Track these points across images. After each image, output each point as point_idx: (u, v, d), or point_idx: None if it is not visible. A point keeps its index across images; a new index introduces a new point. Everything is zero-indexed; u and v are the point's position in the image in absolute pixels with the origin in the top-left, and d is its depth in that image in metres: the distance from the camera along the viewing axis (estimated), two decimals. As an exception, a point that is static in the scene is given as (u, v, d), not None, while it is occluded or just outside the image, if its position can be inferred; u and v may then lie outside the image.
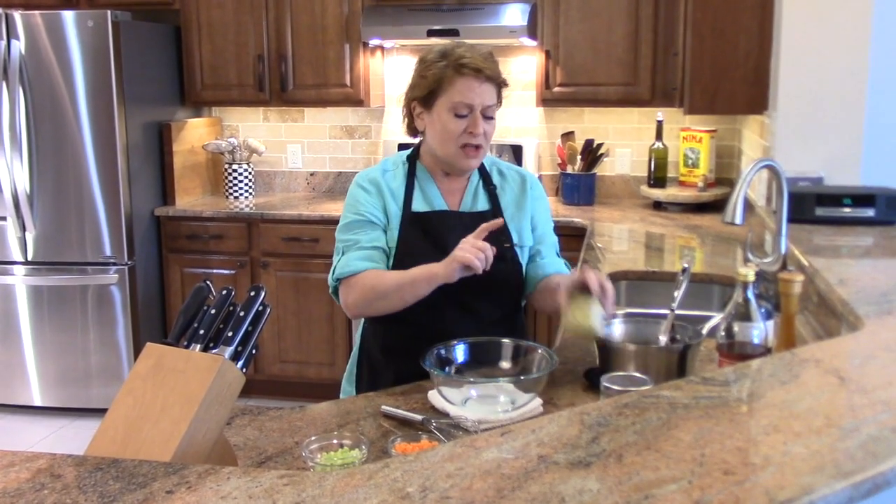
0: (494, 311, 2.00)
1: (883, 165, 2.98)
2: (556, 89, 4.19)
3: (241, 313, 1.31)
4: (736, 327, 1.55)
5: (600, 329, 1.73)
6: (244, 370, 1.29)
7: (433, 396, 1.66)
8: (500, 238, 1.93)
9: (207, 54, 4.49)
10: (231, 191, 4.65)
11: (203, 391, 1.20)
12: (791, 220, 2.23)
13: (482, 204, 2.04)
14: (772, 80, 3.20)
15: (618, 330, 1.79)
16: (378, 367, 2.04)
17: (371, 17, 4.22)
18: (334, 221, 4.03)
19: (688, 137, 4.20)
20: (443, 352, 1.73)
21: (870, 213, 2.53)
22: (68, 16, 4.00)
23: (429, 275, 1.82)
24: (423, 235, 1.96)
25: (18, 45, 4.01)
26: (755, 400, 1.22)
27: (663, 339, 1.74)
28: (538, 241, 2.07)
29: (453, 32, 3.99)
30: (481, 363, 1.76)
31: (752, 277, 1.55)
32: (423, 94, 1.95)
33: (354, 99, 4.41)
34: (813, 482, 0.94)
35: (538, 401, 1.61)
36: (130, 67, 4.12)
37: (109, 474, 1.04)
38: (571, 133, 4.41)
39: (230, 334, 1.29)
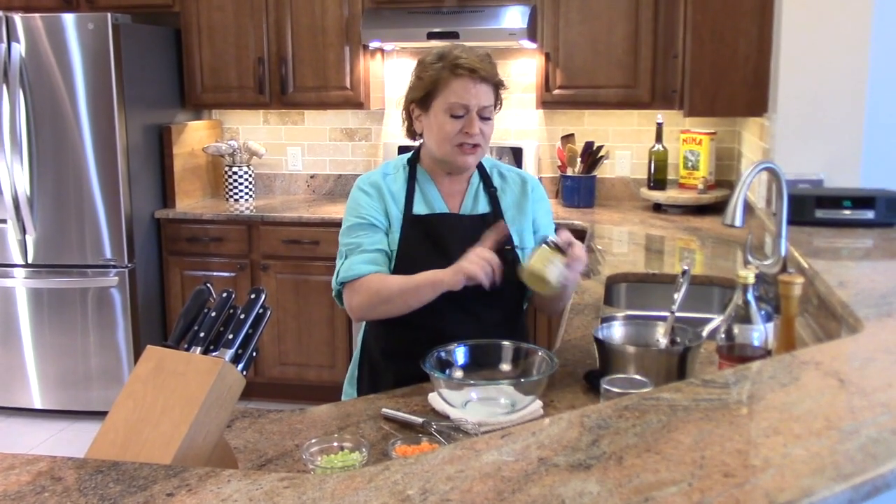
0: (495, 314, 2.00)
1: (883, 167, 2.99)
2: (556, 91, 4.20)
3: (242, 316, 1.31)
4: (736, 329, 1.55)
5: (554, 283, 1.74)
6: (244, 373, 1.29)
7: (433, 399, 1.66)
8: (502, 240, 1.93)
9: (207, 57, 4.49)
10: (231, 193, 4.65)
11: (203, 394, 1.20)
12: (791, 222, 2.24)
13: (483, 206, 2.04)
14: (771, 82, 3.21)
15: (618, 332, 1.79)
16: (379, 369, 2.04)
17: (371, 20, 4.23)
18: (334, 224, 4.06)
19: (688, 140, 4.20)
20: (443, 354, 1.73)
21: (869, 215, 2.53)
22: (68, 19, 4.01)
23: (434, 281, 1.83)
24: (424, 238, 1.97)
25: (19, 48, 4.01)
26: (755, 402, 1.22)
27: (663, 341, 1.74)
28: (538, 243, 2.07)
29: (453, 35, 4.00)
30: (481, 365, 1.76)
31: (752, 280, 1.55)
32: (421, 96, 1.96)
33: (354, 101, 4.42)
34: (813, 484, 0.94)
35: (538, 403, 1.61)
36: (130, 70, 4.12)
37: (110, 477, 1.04)
38: (571, 135, 4.41)
39: (230, 337, 1.29)
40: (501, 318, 2.02)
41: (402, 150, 4.38)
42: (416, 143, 2.09)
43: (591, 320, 2.20)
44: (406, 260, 1.93)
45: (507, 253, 1.97)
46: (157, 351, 1.27)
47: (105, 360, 4.20)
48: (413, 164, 2.06)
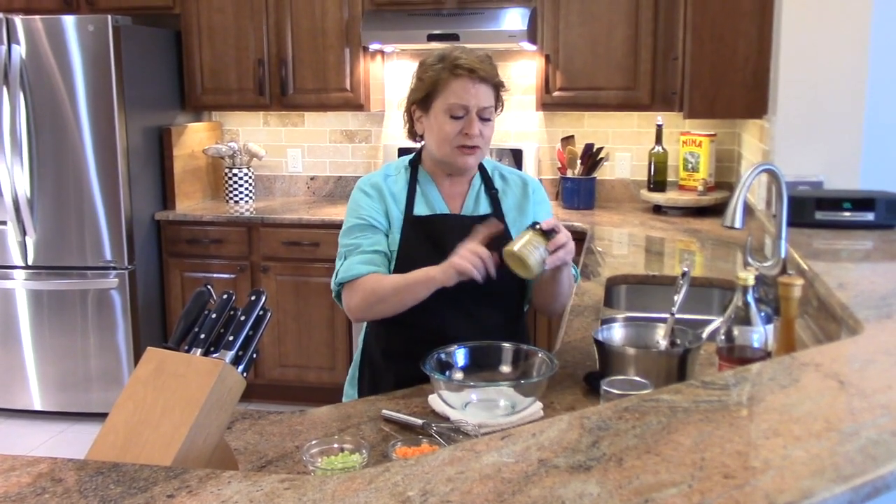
0: (496, 316, 2.00)
1: (882, 169, 2.99)
2: (556, 93, 4.20)
3: (242, 318, 1.31)
4: (736, 331, 1.55)
5: (533, 266, 1.75)
6: (245, 374, 1.29)
7: (433, 400, 1.66)
8: (502, 243, 1.93)
9: (208, 59, 4.49)
10: (231, 195, 4.66)
11: (204, 395, 1.20)
12: (791, 223, 2.24)
13: (484, 208, 2.04)
14: (771, 84, 3.21)
15: (618, 334, 1.79)
16: (379, 370, 2.04)
17: (371, 22, 4.23)
18: (334, 225, 4.06)
19: (687, 141, 4.20)
20: (443, 356, 1.73)
21: (869, 216, 2.53)
22: (69, 20, 4.01)
23: (426, 278, 1.84)
24: (424, 239, 1.97)
25: (19, 50, 4.02)
26: (755, 404, 1.22)
27: (663, 342, 1.74)
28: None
29: (453, 37, 4.00)
30: (481, 367, 1.76)
31: (751, 281, 1.55)
32: (421, 97, 1.97)
33: (354, 103, 4.42)
34: (813, 486, 0.94)
35: (538, 405, 1.61)
36: (131, 72, 4.12)
37: (110, 478, 1.04)
38: (571, 137, 4.41)
39: (231, 339, 1.29)
40: (502, 319, 2.02)
41: (402, 151, 4.39)
42: (418, 145, 2.10)
43: (591, 322, 2.20)
44: (407, 260, 1.94)
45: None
46: (158, 352, 1.27)
47: (105, 362, 4.20)
48: (415, 165, 2.06)
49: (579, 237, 3.62)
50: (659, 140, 4.28)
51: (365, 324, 2.12)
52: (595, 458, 1.02)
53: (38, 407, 4.27)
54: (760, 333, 1.54)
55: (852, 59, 2.94)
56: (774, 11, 3.16)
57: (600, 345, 1.70)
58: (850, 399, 1.20)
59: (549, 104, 4.25)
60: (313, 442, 1.39)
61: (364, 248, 1.96)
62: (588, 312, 2.31)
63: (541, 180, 4.50)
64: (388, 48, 4.49)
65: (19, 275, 4.22)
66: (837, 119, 2.97)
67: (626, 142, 4.50)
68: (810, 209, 2.56)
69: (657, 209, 4.19)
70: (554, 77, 4.18)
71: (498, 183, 2.08)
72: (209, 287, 1.37)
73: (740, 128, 4.21)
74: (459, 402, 1.62)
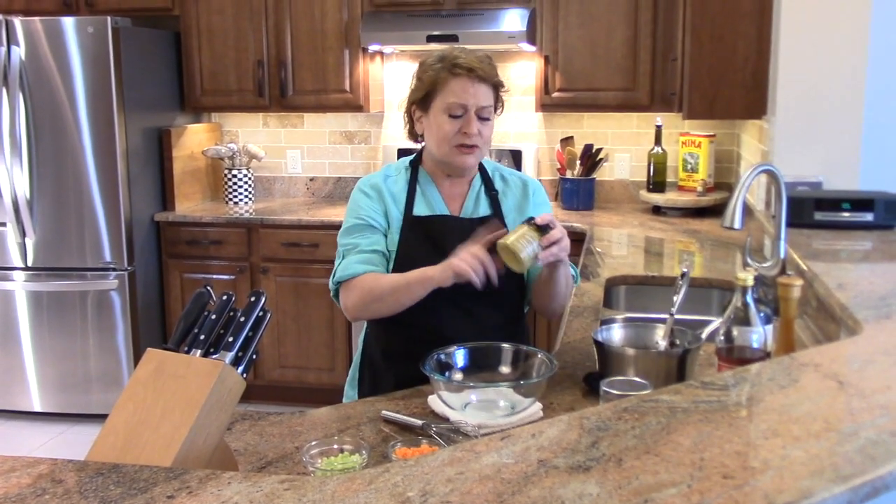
0: (496, 317, 2.00)
1: (881, 170, 2.99)
2: (556, 94, 4.20)
3: (242, 319, 1.32)
4: (735, 332, 1.55)
5: (524, 260, 1.75)
6: (244, 375, 1.29)
7: (433, 401, 1.66)
8: (496, 239, 1.93)
9: (207, 60, 4.49)
10: (231, 196, 4.66)
11: (204, 396, 1.20)
12: (790, 224, 2.24)
13: (484, 209, 2.04)
14: (770, 84, 3.21)
15: (617, 334, 1.79)
16: (379, 371, 2.05)
17: (370, 23, 4.23)
18: (334, 226, 4.06)
19: (687, 142, 4.21)
20: (442, 356, 1.73)
21: (868, 217, 2.54)
22: (68, 22, 4.01)
23: (423, 278, 1.84)
24: (423, 239, 1.97)
25: (19, 52, 4.02)
26: (754, 404, 1.22)
27: (662, 343, 1.74)
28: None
29: (452, 38, 4.01)
30: (481, 368, 1.76)
31: (751, 282, 1.55)
32: (421, 97, 1.98)
33: (354, 104, 4.42)
34: (812, 486, 0.94)
35: (538, 405, 1.61)
36: (130, 73, 4.12)
37: (110, 479, 1.04)
38: (570, 138, 4.41)
39: (231, 339, 1.29)
40: (502, 320, 2.02)
41: (402, 152, 4.39)
42: (419, 146, 2.10)
43: (591, 322, 2.20)
44: (406, 260, 1.94)
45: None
46: (158, 353, 1.27)
47: (105, 363, 4.20)
48: (415, 165, 2.07)
49: (578, 238, 3.63)
50: (658, 141, 4.28)
51: (365, 324, 2.13)
52: (594, 458, 1.02)
53: (37, 408, 4.27)
54: (760, 334, 1.54)
55: (851, 60, 2.94)
56: (774, 12, 3.17)
57: (600, 345, 1.70)
58: (850, 399, 1.21)
59: (548, 105, 4.25)
60: (313, 443, 1.39)
61: (362, 248, 1.96)
62: (587, 313, 2.31)
63: (540, 181, 4.52)
64: (387, 49, 4.49)
65: (19, 276, 4.22)
66: (836, 120, 2.98)
67: (625, 142, 4.51)
68: (809, 210, 2.56)
69: (656, 210, 4.19)
70: (553, 78, 4.18)
71: (498, 184, 2.08)
72: (209, 288, 1.37)
73: (739, 128, 4.21)
74: (459, 402, 1.62)
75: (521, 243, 1.76)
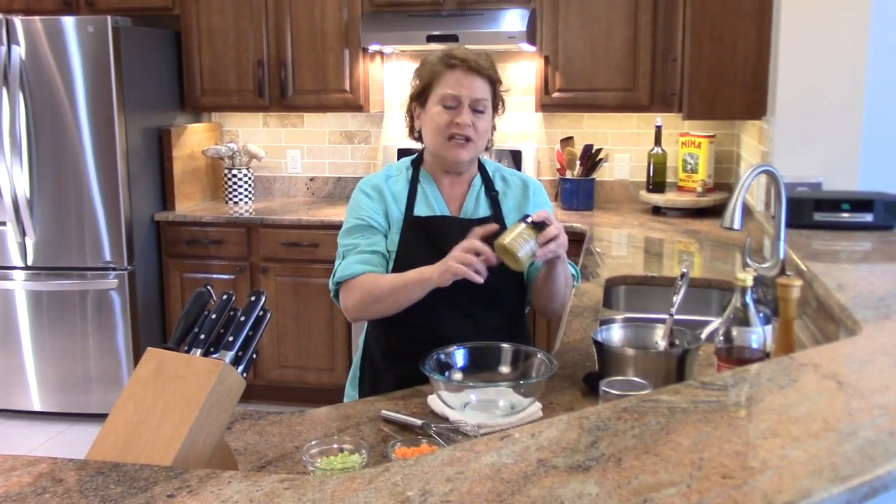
0: (496, 318, 2.00)
1: (881, 170, 2.99)
2: (556, 95, 4.21)
3: (242, 318, 1.32)
4: (734, 332, 1.55)
5: (524, 258, 1.76)
6: (245, 375, 1.29)
7: (433, 401, 1.66)
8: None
9: (207, 60, 4.50)
10: (231, 196, 4.66)
11: (204, 396, 1.20)
12: (789, 225, 2.24)
13: (484, 210, 2.04)
14: (770, 85, 3.21)
15: (617, 335, 1.79)
16: (379, 371, 2.05)
17: (370, 23, 4.23)
18: (334, 226, 4.06)
19: (686, 143, 4.21)
20: (442, 356, 1.73)
21: (868, 218, 2.54)
22: (68, 21, 4.01)
23: (420, 279, 1.84)
24: (423, 239, 1.97)
25: (19, 51, 4.02)
26: (753, 404, 1.22)
27: (662, 343, 1.74)
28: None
29: (452, 38, 4.01)
30: (481, 368, 1.76)
31: (750, 282, 1.55)
32: (419, 92, 2.00)
33: (354, 104, 4.42)
34: (811, 486, 0.94)
35: (537, 405, 1.61)
36: (130, 73, 4.13)
37: (111, 478, 1.04)
38: (570, 138, 4.42)
39: (231, 339, 1.29)
40: (502, 320, 2.02)
41: (402, 152, 4.40)
42: (419, 146, 2.10)
43: (591, 323, 2.20)
44: (406, 261, 1.94)
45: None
46: (158, 353, 1.27)
47: (104, 363, 4.20)
48: (416, 165, 2.07)
49: (578, 238, 3.64)
50: (658, 141, 4.28)
51: (366, 324, 2.13)
52: (594, 458, 1.02)
53: (37, 408, 4.28)
54: (759, 334, 1.54)
55: (851, 61, 2.95)
56: (773, 13, 3.17)
57: (599, 345, 1.71)
58: (849, 399, 1.21)
59: (548, 105, 4.25)
60: (313, 442, 1.39)
61: (362, 249, 1.96)
62: (587, 313, 2.31)
63: (540, 181, 4.52)
64: (387, 49, 4.49)
65: (19, 275, 4.22)
66: (836, 120, 2.98)
67: (625, 143, 4.51)
68: (809, 210, 2.56)
69: (656, 210, 4.19)
70: (553, 78, 4.19)
71: (499, 185, 2.08)
72: (209, 288, 1.37)
73: (739, 129, 4.21)
74: (459, 402, 1.62)
75: (518, 242, 1.76)
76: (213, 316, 1.32)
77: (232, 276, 4.28)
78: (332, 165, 4.86)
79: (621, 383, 1.48)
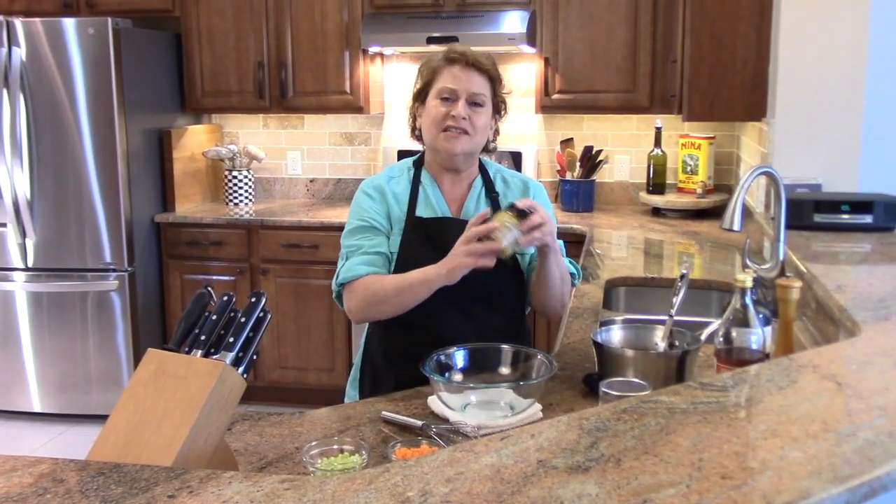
0: (497, 319, 2.01)
1: (881, 172, 2.99)
2: (555, 96, 4.21)
3: (243, 319, 1.32)
4: (734, 333, 1.55)
5: (508, 248, 1.76)
6: (245, 376, 1.30)
7: (433, 402, 1.66)
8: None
9: (208, 61, 4.50)
10: (231, 197, 4.66)
11: (204, 397, 1.21)
12: (789, 226, 2.24)
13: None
14: (770, 87, 3.22)
15: (616, 336, 1.80)
16: (380, 372, 2.05)
17: (371, 25, 4.24)
18: (334, 228, 4.07)
19: (686, 144, 4.21)
20: (442, 357, 1.73)
21: (868, 219, 2.54)
22: (69, 23, 4.02)
23: (425, 279, 1.85)
24: (425, 241, 1.98)
25: (19, 53, 4.02)
26: (753, 405, 1.22)
27: (662, 344, 1.74)
28: (539, 248, 2.07)
29: (453, 39, 4.01)
30: (481, 369, 1.76)
31: (750, 283, 1.55)
32: (420, 90, 2.01)
33: (354, 106, 4.43)
34: (810, 486, 0.94)
35: (537, 406, 1.62)
36: (131, 74, 4.13)
37: (111, 479, 1.04)
38: (570, 140, 4.42)
39: (231, 340, 1.30)
40: (503, 321, 2.02)
41: (402, 154, 4.40)
42: (420, 148, 2.11)
43: (590, 324, 2.21)
44: (408, 262, 1.94)
45: (508, 259, 1.98)
46: (158, 354, 1.28)
47: (105, 364, 4.20)
48: (418, 166, 2.07)
49: (578, 239, 3.64)
50: (658, 142, 4.29)
51: (366, 325, 2.13)
52: (594, 458, 1.03)
53: (37, 409, 4.28)
54: (758, 335, 1.55)
55: (851, 62, 2.95)
56: (773, 14, 3.17)
57: (599, 346, 1.71)
58: (848, 400, 1.21)
59: (548, 107, 4.25)
60: (313, 443, 1.39)
61: (365, 250, 1.96)
62: (587, 314, 2.31)
63: (540, 183, 4.52)
64: (387, 51, 4.50)
65: (19, 277, 4.22)
66: (836, 122, 2.98)
67: (625, 144, 4.51)
68: (809, 212, 2.56)
69: (656, 211, 4.20)
70: (553, 80, 4.19)
71: (499, 186, 2.09)
72: (210, 289, 1.38)
73: (739, 130, 4.21)
74: (459, 403, 1.62)
75: (501, 231, 1.76)
76: (214, 317, 1.32)
77: (232, 278, 4.28)
78: (332, 167, 4.86)
79: (621, 384, 1.48)
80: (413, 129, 2.08)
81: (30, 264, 4.20)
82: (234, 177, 4.64)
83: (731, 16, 3.28)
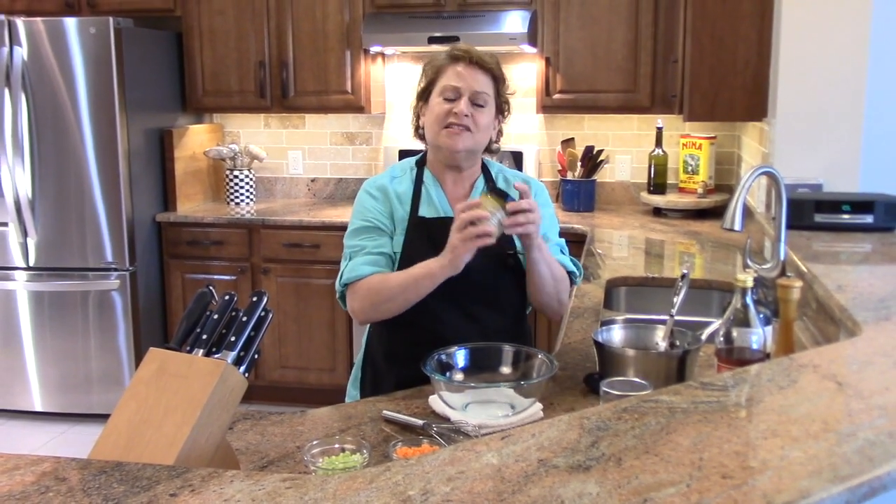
0: (498, 319, 2.01)
1: (881, 172, 3.00)
2: (556, 96, 4.21)
3: (244, 318, 1.32)
4: (735, 333, 1.55)
5: (495, 230, 1.77)
6: (246, 375, 1.30)
7: (434, 401, 1.66)
8: (503, 246, 1.94)
9: (209, 61, 4.50)
10: (232, 197, 4.66)
11: (206, 396, 1.21)
12: (790, 226, 2.24)
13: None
14: (771, 87, 3.22)
15: (617, 335, 1.80)
16: (381, 372, 2.05)
17: (372, 24, 4.24)
18: (335, 227, 4.07)
19: (687, 144, 4.21)
20: (443, 357, 1.73)
21: (868, 219, 2.54)
22: (70, 23, 4.02)
23: (429, 272, 1.85)
24: (427, 241, 1.97)
25: (21, 52, 4.03)
26: (753, 405, 1.23)
27: (662, 344, 1.75)
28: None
29: (454, 39, 4.01)
30: (482, 368, 1.77)
31: (750, 283, 1.56)
32: (423, 88, 2.01)
33: (355, 105, 4.43)
34: (810, 486, 0.95)
35: (538, 405, 1.62)
36: (132, 74, 4.13)
37: (114, 477, 1.05)
38: (571, 140, 4.42)
39: (233, 339, 1.30)
40: (504, 322, 2.02)
41: (403, 154, 4.40)
42: (422, 148, 2.11)
43: (591, 323, 2.21)
44: (410, 262, 1.94)
45: (508, 259, 1.98)
46: (160, 353, 1.28)
47: (106, 363, 4.20)
48: (421, 165, 2.07)
49: (579, 239, 3.64)
50: (659, 142, 4.29)
51: (368, 325, 2.13)
52: (594, 458, 1.03)
53: (39, 408, 4.28)
54: (759, 335, 1.55)
55: (852, 62, 2.95)
56: (774, 14, 3.17)
57: (600, 346, 1.71)
58: (848, 400, 1.21)
59: (549, 107, 4.26)
60: (314, 442, 1.40)
61: (369, 251, 1.96)
62: (588, 314, 2.32)
63: (542, 182, 4.52)
64: (388, 50, 4.50)
65: (20, 276, 4.22)
66: (837, 122, 2.98)
67: (626, 144, 4.51)
68: (809, 212, 2.56)
69: (657, 211, 4.20)
70: (554, 80, 4.19)
71: (501, 185, 2.09)
72: (211, 288, 1.38)
73: (740, 130, 4.22)
74: (460, 402, 1.62)
75: (490, 219, 1.77)
76: (216, 316, 1.32)
77: (233, 277, 4.28)
78: (333, 167, 4.87)
79: (622, 384, 1.49)
80: (416, 127, 2.08)
81: (31, 263, 4.20)
82: (236, 176, 4.65)
83: (732, 16, 3.28)
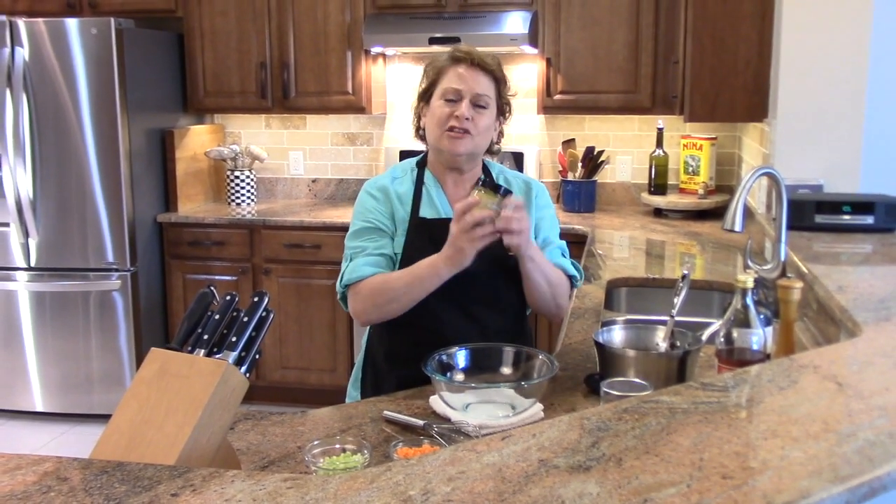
0: (498, 320, 2.01)
1: (882, 173, 3.00)
2: (557, 97, 4.21)
3: (245, 319, 1.32)
4: (735, 333, 1.56)
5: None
6: (248, 375, 1.30)
7: (434, 401, 1.67)
8: (503, 247, 1.94)
9: (210, 62, 4.51)
10: (233, 197, 4.67)
11: (207, 396, 1.21)
12: (790, 227, 2.25)
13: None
14: (771, 88, 3.22)
15: (618, 336, 1.80)
16: (382, 372, 2.05)
17: (373, 25, 4.24)
18: (336, 228, 4.07)
19: (688, 145, 4.21)
20: (444, 357, 1.73)
21: (869, 220, 2.54)
22: (72, 23, 4.02)
23: (434, 271, 1.85)
24: (427, 242, 1.97)
25: (22, 53, 4.03)
26: (754, 405, 1.23)
27: (663, 345, 1.75)
28: (540, 247, 2.07)
29: (455, 40, 4.01)
30: (482, 369, 1.77)
31: (751, 284, 1.56)
32: (425, 89, 2.01)
33: (356, 106, 4.43)
34: (810, 486, 0.95)
35: (539, 406, 1.62)
36: (133, 75, 4.14)
37: (115, 477, 1.05)
38: (572, 140, 4.42)
39: (234, 339, 1.30)
40: (505, 322, 2.03)
41: (404, 154, 4.41)
42: (422, 148, 2.11)
43: (592, 324, 2.21)
44: (410, 263, 1.94)
45: (509, 260, 1.98)
46: (161, 353, 1.28)
47: (107, 364, 4.20)
48: (421, 166, 2.07)
49: (580, 240, 3.64)
50: (660, 143, 4.29)
51: (368, 326, 2.13)
52: (595, 458, 1.03)
53: (40, 408, 4.28)
54: (759, 336, 1.55)
55: (852, 63, 2.95)
56: (775, 15, 3.18)
57: (600, 347, 1.71)
58: (848, 401, 1.21)
59: (550, 107, 4.26)
60: (315, 442, 1.40)
61: (370, 252, 1.96)
62: (588, 315, 2.32)
63: (542, 183, 4.52)
64: (389, 51, 4.50)
65: (22, 276, 4.23)
66: (837, 122, 2.98)
67: (626, 145, 4.52)
68: (810, 212, 2.56)
69: (658, 212, 4.20)
70: (555, 80, 4.19)
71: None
72: (213, 288, 1.38)
73: (741, 131, 4.22)
74: (460, 403, 1.63)
75: (481, 209, 1.78)
76: (217, 316, 1.32)
77: (234, 278, 4.29)
78: (334, 167, 4.87)
79: (622, 384, 1.49)
80: (417, 128, 2.08)
81: (32, 264, 4.21)
82: (237, 177, 4.65)
83: (733, 17, 3.28)
